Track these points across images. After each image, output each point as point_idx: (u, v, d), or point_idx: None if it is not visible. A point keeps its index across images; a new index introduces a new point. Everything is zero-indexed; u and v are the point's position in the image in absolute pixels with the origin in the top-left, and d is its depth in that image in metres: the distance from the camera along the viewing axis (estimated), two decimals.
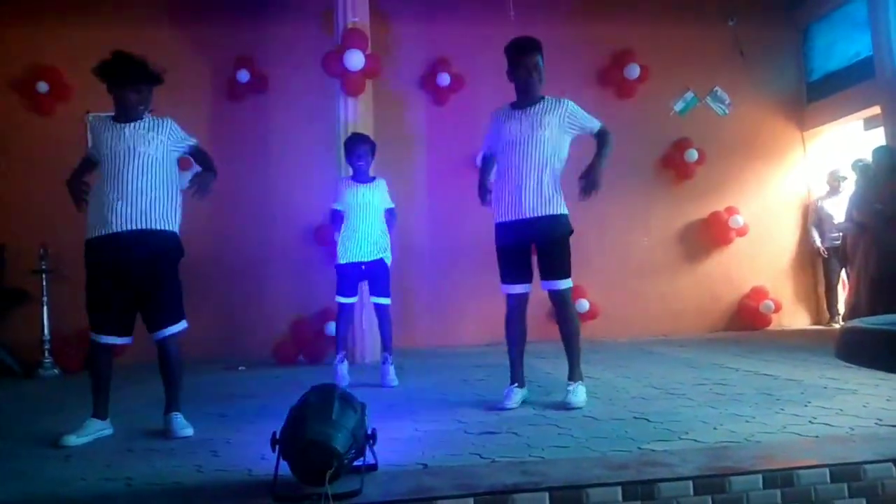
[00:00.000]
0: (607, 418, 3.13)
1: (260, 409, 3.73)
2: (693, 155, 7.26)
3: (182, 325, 3.33)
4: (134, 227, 3.13)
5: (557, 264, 3.51)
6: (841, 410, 3.06)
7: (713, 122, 7.47)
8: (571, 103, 3.66)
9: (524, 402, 3.60)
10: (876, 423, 2.81)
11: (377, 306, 4.61)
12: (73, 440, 3.05)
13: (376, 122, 6.17)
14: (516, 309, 3.64)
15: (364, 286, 4.77)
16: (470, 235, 7.02)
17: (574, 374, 3.55)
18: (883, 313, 4.41)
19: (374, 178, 4.75)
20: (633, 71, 7.20)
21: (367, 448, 2.31)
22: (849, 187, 7.14)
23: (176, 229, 3.29)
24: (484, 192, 3.82)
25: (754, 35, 7.45)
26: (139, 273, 3.16)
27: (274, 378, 5.02)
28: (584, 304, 6.94)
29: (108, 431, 3.24)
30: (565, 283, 3.52)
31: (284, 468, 2.18)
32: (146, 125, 3.36)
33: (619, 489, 2.15)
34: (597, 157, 3.56)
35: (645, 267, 7.21)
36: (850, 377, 3.83)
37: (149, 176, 3.22)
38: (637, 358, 5.21)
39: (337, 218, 4.67)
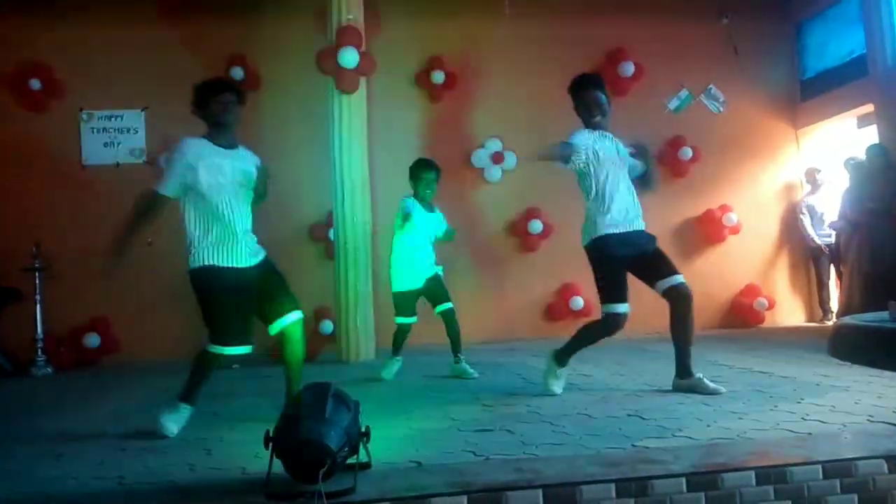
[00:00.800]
0: (601, 416, 3.14)
1: (253, 407, 3.73)
2: (687, 153, 7.26)
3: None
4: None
5: (669, 260, 3.71)
6: (833, 407, 3.07)
7: (707, 119, 7.48)
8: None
9: (518, 399, 3.60)
10: (868, 420, 2.82)
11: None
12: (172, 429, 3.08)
13: (370, 120, 6.16)
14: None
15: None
16: (465, 234, 7.03)
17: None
18: (875, 311, 4.44)
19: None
20: (628, 69, 7.21)
21: (361, 446, 2.31)
22: (828, 179, 7.19)
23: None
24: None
25: (748, 33, 7.46)
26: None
27: (268, 377, 5.00)
28: (578, 302, 6.95)
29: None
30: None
31: (278, 466, 2.17)
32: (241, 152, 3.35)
33: (612, 486, 2.16)
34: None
35: None
36: (843, 374, 3.84)
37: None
38: (631, 355, 5.22)
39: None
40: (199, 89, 3.28)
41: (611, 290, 3.66)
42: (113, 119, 6.71)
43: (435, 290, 4.68)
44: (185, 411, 3.17)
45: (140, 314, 6.40)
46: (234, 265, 3.17)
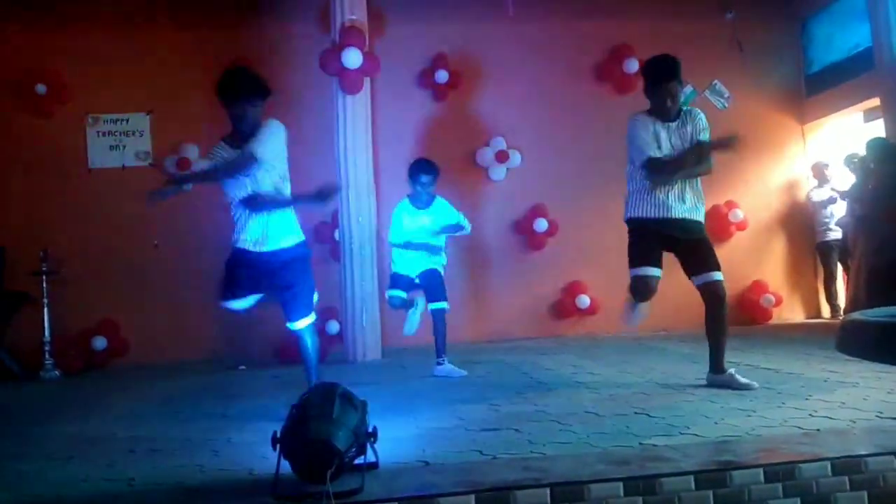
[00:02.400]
0: (609, 414, 3.13)
1: (261, 408, 3.73)
2: None
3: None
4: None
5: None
6: (842, 404, 3.06)
7: (712, 115, 7.28)
8: (702, 116, 3.80)
9: (525, 398, 3.60)
10: (877, 416, 2.81)
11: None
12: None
13: (375, 120, 6.17)
14: None
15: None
16: (475, 230, 7.00)
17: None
18: (883, 305, 4.41)
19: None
20: (632, 65, 7.17)
21: (369, 446, 2.31)
22: (835, 173, 7.15)
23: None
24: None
25: (753, 28, 7.43)
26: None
27: (275, 377, 5.03)
28: (584, 300, 6.94)
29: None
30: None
31: (286, 467, 2.18)
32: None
33: (620, 484, 2.15)
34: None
35: None
36: (852, 370, 3.82)
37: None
38: (638, 353, 5.21)
39: None
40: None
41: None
42: (119, 123, 6.73)
43: (432, 287, 4.77)
44: None
45: (148, 317, 6.42)
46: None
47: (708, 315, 3.68)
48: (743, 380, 3.54)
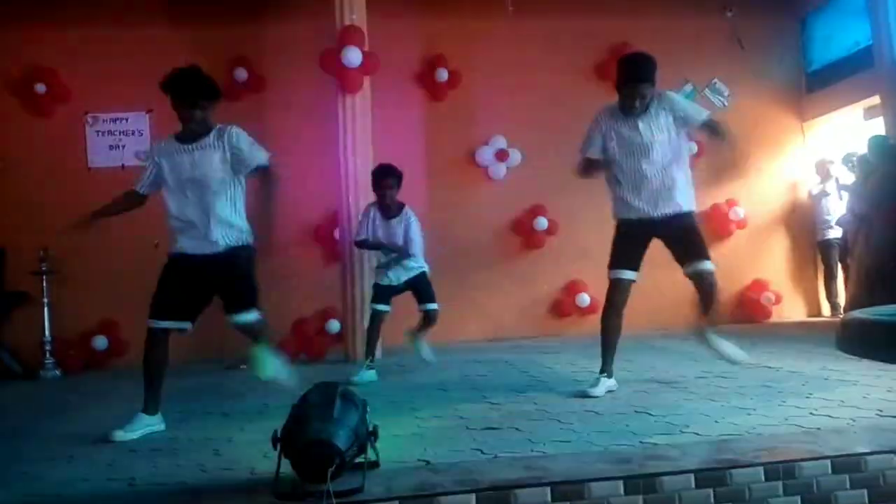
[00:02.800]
0: (609, 412, 3.13)
1: (261, 407, 3.74)
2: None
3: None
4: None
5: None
6: (842, 402, 3.06)
7: (712, 114, 7.44)
8: (673, 97, 3.76)
9: (525, 397, 3.60)
10: (877, 415, 2.81)
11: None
12: (120, 435, 3.09)
13: (374, 119, 6.16)
14: None
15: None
16: (470, 231, 7.03)
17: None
18: (883, 304, 4.41)
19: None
20: None
21: (369, 445, 2.31)
22: (838, 170, 7.14)
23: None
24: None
25: (752, 26, 7.42)
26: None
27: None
28: (584, 299, 6.94)
29: (159, 427, 3.26)
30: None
31: (286, 466, 2.18)
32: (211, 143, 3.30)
33: (620, 483, 2.16)
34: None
35: (645, 260, 7.18)
36: (852, 369, 3.83)
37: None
38: (638, 351, 5.20)
39: None
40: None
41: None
42: (118, 122, 6.73)
43: (420, 290, 4.88)
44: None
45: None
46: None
47: (700, 301, 3.73)
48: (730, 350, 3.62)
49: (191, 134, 3.31)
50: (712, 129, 3.78)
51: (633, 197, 3.68)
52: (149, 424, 3.21)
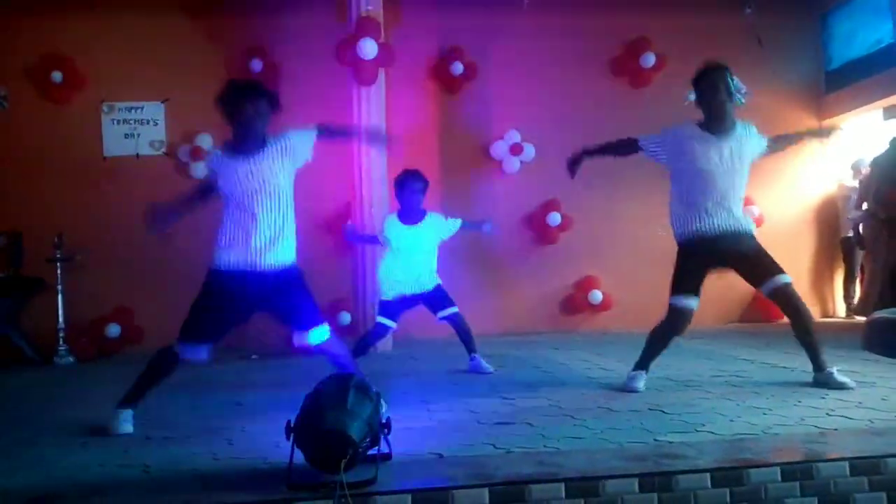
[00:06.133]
0: (623, 409, 3.11)
1: (274, 397, 3.73)
2: None
3: None
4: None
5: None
6: (860, 403, 3.03)
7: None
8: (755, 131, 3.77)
9: (538, 392, 3.59)
10: None
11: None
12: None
13: (388, 111, 6.15)
14: None
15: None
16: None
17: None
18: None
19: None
20: (649, 60, 7.12)
21: (382, 437, 2.31)
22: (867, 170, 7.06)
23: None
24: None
25: (772, 23, 7.32)
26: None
27: (287, 367, 5.03)
28: (597, 295, 6.91)
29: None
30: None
31: (299, 456, 2.18)
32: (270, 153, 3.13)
33: (635, 481, 2.14)
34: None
35: (658, 257, 7.11)
36: (869, 370, 3.79)
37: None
38: None
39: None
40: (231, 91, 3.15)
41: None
42: (134, 111, 6.76)
43: (439, 300, 4.54)
44: None
45: (162, 305, 6.42)
46: None
47: (790, 320, 3.60)
48: (841, 378, 3.43)
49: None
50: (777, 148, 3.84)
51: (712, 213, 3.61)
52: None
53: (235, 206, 3.08)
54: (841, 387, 3.37)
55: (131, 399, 3.14)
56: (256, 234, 3.06)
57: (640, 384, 3.58)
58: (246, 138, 3.09)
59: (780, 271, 3.54)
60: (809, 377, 3.76)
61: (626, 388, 3.56)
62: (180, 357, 3.10)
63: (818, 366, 3.54)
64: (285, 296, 3.11)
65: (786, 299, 3.54)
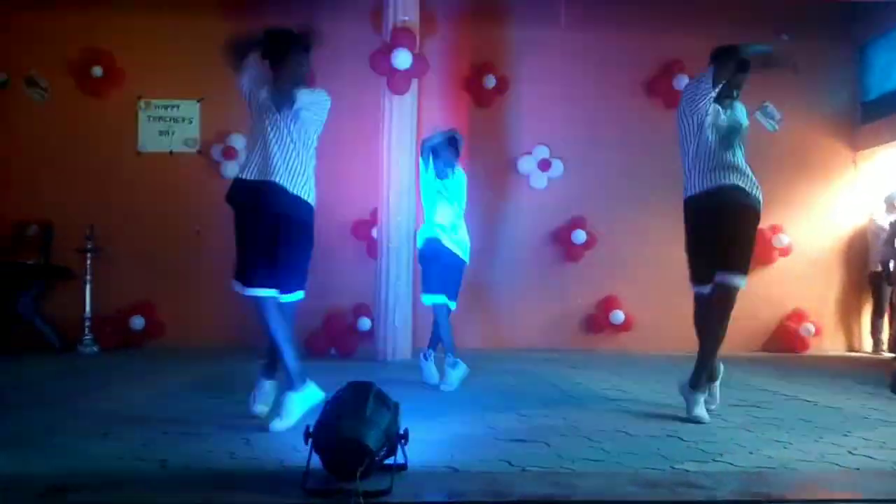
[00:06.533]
0: (640, 434, 3.08)
1: None
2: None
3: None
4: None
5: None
6: (884, 443, 2.96)
7: (762, 137, 7.28)
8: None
9: (555, 411, 3.57)
10: None
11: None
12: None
13: (419, 121, 6.18)
14: None
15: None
16: (507, 239, 7.00)
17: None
18: None
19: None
20: (683, 81, 7.07)
21: (399, 447, 2.31)
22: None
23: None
24: None
25: (808, 51, 7.23)
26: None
27: (309, 370, 5.05)
28: (619, 316, 6.86)
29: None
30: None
31: (316, 461, 2.19)
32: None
33: None
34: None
35: (683, 280, 7.07)
36: (893, 410, 3.71)
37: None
38: (671, 373, 5.10)
39: None
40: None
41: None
42: (169, 108, 6.88)
43: (451, 282, 4.47)
44: None
45: (185, 301, 6.53)
46: None
47: (704, 319, 3.64)
48: (699, 410, 3.36)
49: None
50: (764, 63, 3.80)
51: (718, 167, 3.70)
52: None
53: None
54: (696, 419, 3.31)
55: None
56: None
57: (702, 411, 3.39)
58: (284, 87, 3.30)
59: (737, 268, 3.47)
60: (832, 412, 3.70)
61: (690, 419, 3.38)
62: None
63: (693, 381, 3.48)
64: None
65: (722, 301, 3.49)
